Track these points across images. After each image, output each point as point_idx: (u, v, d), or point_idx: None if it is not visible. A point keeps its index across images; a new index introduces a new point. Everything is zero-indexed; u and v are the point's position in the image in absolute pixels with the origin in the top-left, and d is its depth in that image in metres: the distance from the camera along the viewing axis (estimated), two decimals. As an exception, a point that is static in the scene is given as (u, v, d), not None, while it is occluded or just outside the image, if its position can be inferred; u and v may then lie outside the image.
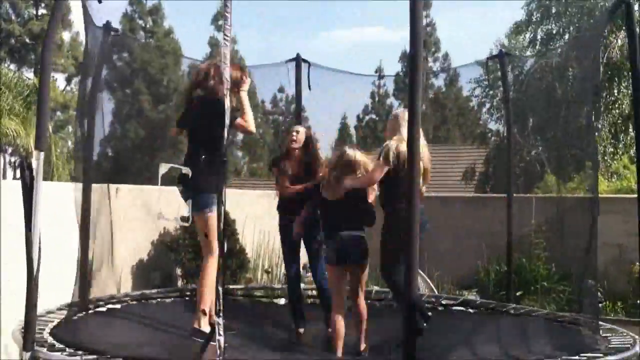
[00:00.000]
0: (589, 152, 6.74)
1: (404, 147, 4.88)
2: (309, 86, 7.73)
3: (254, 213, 9.44)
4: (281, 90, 35.44)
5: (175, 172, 5.44)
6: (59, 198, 5.44)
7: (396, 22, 52.73)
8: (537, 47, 18.20)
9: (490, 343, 5.35)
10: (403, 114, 5.20)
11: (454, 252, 10.36)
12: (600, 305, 8.42)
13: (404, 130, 4.46)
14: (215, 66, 5.20)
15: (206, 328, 4.88)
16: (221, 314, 4.14)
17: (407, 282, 3.65)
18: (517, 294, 8.70)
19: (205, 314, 5.07)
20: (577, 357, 4.50)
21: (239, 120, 5.17)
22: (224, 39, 4.27)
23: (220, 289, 4.19)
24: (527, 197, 11.42)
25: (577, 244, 6.37)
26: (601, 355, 4.64)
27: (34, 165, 4.46)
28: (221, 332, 4.13)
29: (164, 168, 5.18)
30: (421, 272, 7.84)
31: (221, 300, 4.16)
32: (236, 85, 5.15)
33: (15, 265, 5.25)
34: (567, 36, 17.37)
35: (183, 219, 5.23)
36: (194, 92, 5.39)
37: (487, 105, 20.06)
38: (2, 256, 5.70)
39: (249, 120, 5.27)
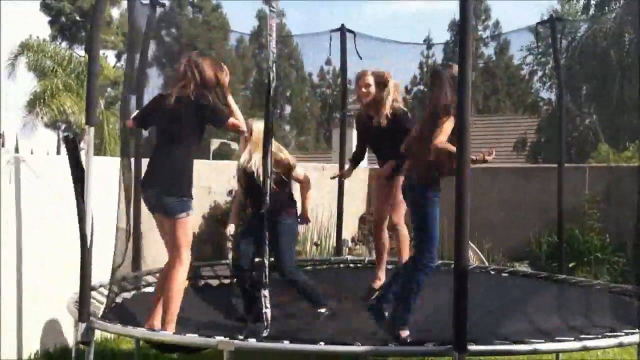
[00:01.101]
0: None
1: None
2: (359, 55, 7.60)
3: (302, 186, 9.45)
4: (328, 62, 35.47)
5: (225, 148, 5.47)
6: (111, 173, 5.52)
7: (444, -10, 51.79)
8: (590, 12, 17.68)
9: (543, 313, 5.27)
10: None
11: (505, 224, 10.24)
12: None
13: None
14: (191, 65, 4.85)
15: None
16: (266, 287, 4.19)
17: (457, 252, 3.62)
18: (570, 265, 8.57)
19: (169, 327, 4.63)
20: (635, 331, 4.38)
21: (232, 121, 4.85)
22: (271, 10, 4.24)
23: (266, 261, 4.23)
24: (581, 167, 11.18)
25: (632, 215, 6.21)
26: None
27: (85, 140, 4.54)
28: (267, 305, 4.17)
29: (215, 144, 5.18)
30: (471, 244, 7.77)
31: (267, 273, 4.20)
32: (214, 86, 4.90)
33: (72, 239, 5.37)
34: (622, 0, 16.81)
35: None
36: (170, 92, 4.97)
37: (539, 74, 19.64)
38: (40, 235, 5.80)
39: (240, 119, 4.91)
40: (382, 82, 5.90)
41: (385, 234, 6.32)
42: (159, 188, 4.70)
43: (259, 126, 5.35)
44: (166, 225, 4.79)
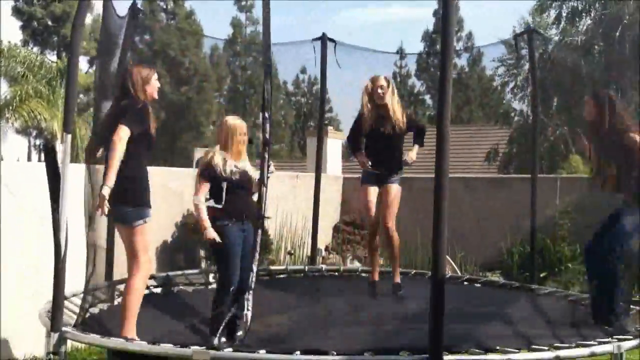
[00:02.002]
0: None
1: None
2: (339, 65, 7.67)
3: (276, 194, 9.45)
4: (303, 71, 35.56)
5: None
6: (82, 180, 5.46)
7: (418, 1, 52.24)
8: (561, 24, 17.93)
9: (517, 323, 5.32)
10: None
11: (477, 234, 10.30)
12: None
13: None
14: (129, 71, 4.91)
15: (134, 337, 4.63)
16: (251, 291, 4.20)
17: (434, 262, 3.64)
18: (542, 275, 8.64)
19: (129, 335, 4.62)
20: (608, 340, 4.44)
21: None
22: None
23: (254, 267, 4.24)
24: (552, 177, 11.31)
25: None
26: (631, 337, 4.59)
27: (61, 148, 4.50)
28: (249, 308, 4.18)
29: (199, 152, 5.14)
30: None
31: (253, 278, 4.20)
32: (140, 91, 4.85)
33: (41, 248, 5.30)
34: (592, 13, 17.09)
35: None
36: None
37: (511, 85, 19.86)
38: (24, 240, 5.73)
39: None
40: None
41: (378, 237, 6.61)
42: (118, 200, 4.66)
43: (231, 123, 5.38)
44: (123, 234, 4.83)
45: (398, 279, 6.54)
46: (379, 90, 6.30)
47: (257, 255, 4.30)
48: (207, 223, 5.17)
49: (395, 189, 6.37)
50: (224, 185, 5.21)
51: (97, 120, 5.53)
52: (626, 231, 5.26)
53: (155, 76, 4.99)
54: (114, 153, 4.53)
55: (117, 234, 5.21)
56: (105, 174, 4.54)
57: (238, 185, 5.27)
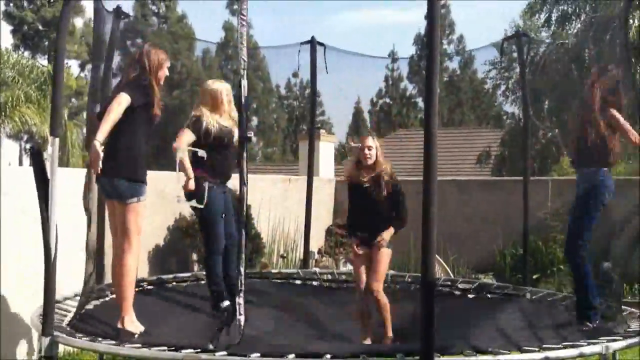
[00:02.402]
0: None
1: None
2: (326, 69, 7.65)
3: (268, 198, 9.44)
4: (295, 75, 35.59)
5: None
6: (74, 184, 5.45)
7: (408, 3, 52.36)
8: (552, 27, 17.99)
9: (506, 327, 5.33)
10: None
11: (469, 236, 10.32)
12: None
13: None
14: (147, 50, 4.94)
15: (132, 327, 4.69)
16: (242, 294, 4.17)
17: (423, 264, 3.64)
18: (534, 277, 8.67)
19: (127, 314, 4.72)
20: (597, 341, 4.47)
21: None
22: (241, 18, 4.24)
23: (242, 270, 4.22)
24: (543, 179, 11.34)
25: (595, 227, 6.31)
26: (620, 338, 4.61)
27: (49, 151, 4.48)
28: (241, 312, 4.16)
29: (216, 125, 5.20)
30: (437, 257, 7.82)
31: (243, 281, 4.19)
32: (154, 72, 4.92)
33: (32, 251, 5.29)
34: (582, 16, 17.15)
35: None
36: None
37: (502, 88, 19.90)
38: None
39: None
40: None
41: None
42: (111, 172, 4.68)
43: (217, 86, 5.70)
44: (117, 210, 4.77)
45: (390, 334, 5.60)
46: (366, 151, 5.70)
47: (243, 258, 4.26)
48: (190, 173, 5.35)
49: (382, 253, 5.64)
50: (209, 142, 5.41)
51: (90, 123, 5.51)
52: (580, 216, 5.39)
53: (167, 63, 5.04)
54: (109, 114, 4.55)
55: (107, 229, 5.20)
56: (98, 130, 4.52)
57: (222, 144, 5.50)
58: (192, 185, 5.36)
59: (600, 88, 5.33)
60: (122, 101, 4.59)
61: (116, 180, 4.68)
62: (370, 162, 5.69)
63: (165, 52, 5.10)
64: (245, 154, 4.26)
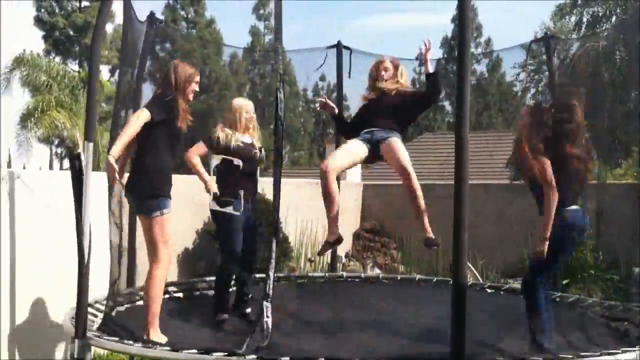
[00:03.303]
0: (636, 137, 6.56)
1: None
2: (349, 74, 7.65)
3: (296, 202, 9.46)
4: (323, 78, 35.65)
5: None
6: (105, 188, 5.51)
7: (437, 6, 52.17)
8: (582, 30, 17.83)
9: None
10: None
11: (498, 240, 10.25)
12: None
13: None
14: (175, 65, 4.99)
15: (157, 338, 4.73)
16: (269, 299, 4.20)
17: (455, 267, 3.63)
18: (564, 282, 8.57)
19: (152, 326, 4.77)
20: (633, 349, 4.38)
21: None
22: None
23: (271, 274, 4.24)
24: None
25: (625, 231, 6.23)
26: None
27: (83, 156, 4.55)
28: (269, 315, 4.18)
29: (216, 160, 5.25)
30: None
31: (272, 285, 4.21)
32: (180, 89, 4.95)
33: (65, 254, 5.35)
34: (613, 18, 16.97)
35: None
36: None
37: (532, 91, 19.76)
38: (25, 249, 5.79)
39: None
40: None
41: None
42: (137, 190, 4.79)
43: (239, 103, 5.91)
44: (143, 224, 4.86)
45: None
46: (382, 73, 5.72)
47: (272, 263, 4.29)
48: (206, 176, 5.62)
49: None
50: (229, 160, 5.58)
51: (115, 128, 5.58)
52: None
53: (197, 78, 5.08)
54: (126, 129, 4.64)
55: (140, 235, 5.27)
56: (113, 144, 4.65)
57: (243, 159, 5.65)
58: (212, 187, 5.61)
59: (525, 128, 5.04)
60: (141, 116, 4.69)
61: (140, 198, 4.79)
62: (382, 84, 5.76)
63: (194, 67, 5.14)
64: (279, 163, 4.31)
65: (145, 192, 4.76)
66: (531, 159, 4.89)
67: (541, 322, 4.85)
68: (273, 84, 4.41)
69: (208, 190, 5.65)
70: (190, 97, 5.03)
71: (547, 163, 4.84)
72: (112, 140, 5.16)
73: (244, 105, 5.92)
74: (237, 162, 5.58)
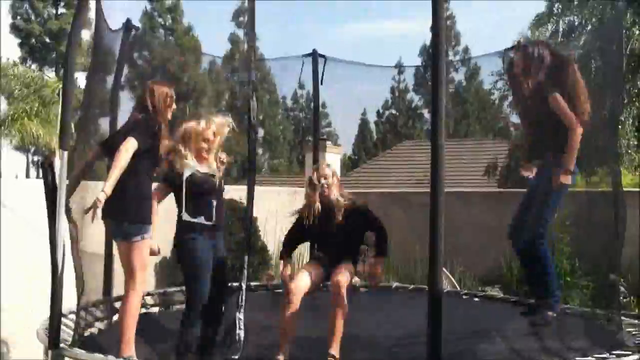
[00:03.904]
0: (612, 144, 6.63)
1: None
2: (321, 81, 7.63)
3: (275, 210, 9.43)
4: (302, 86, 35.75)
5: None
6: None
7: (416, 15, 52.51)
8: (559, 38, 18.00)
9: (516, 338, 5.29)
10: None
11: (476, 248, 10.29)
12: (624, 300, 8.33)
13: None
14: (152, 89, 4.81)
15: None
16: (242, 310, 4.15)
17: (430, 276, 3.63)
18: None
19: (126, 352, 4.56)
20: (607, 355, 4.42)
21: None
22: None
23: (244, 285, 4.20)
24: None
25: (601, 239, 6.28)
26: (630, 353, 4.57)
27: (57, 164, 4.48)
28: (241, 327, 4.14)
29: (188, 171, 4.95)
30: (443, 269, 7.80)
31: (244, 296, 4.17)
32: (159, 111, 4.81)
33: (39, 265, 5.29)
34: (589, 27, 17.16)
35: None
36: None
37: (510, 98, 19.88)
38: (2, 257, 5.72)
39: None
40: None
41: None
42: (116, 215, 4.66)
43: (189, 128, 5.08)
44: (121, 249, 4.75)
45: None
46: (323, 181, 5.31)
47: (245, 274, 4.24)
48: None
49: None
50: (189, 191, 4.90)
51: (81, 135, 5.43)
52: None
53: (172, 93, 4.90)
54: (117, 162, 4.47)
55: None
56: (106, 181, 4.46)
57: (203, 191, 4.94)
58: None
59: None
60: (129, 147, 4.52)
61: (121, 223, 4.66)
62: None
63: (170, 85, 4.98)
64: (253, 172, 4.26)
65: (126, 218, 4.63)
66: (542, 95, 5.09)
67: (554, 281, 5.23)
68: (249, 92, 4.35)
69: None
70: (169, 116, 4.90)
71: (559, 96, 5.06)
72: (104, 147, 4.94)
73: (200, 131, 5.06)
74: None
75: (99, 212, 4.41)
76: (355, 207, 5.28)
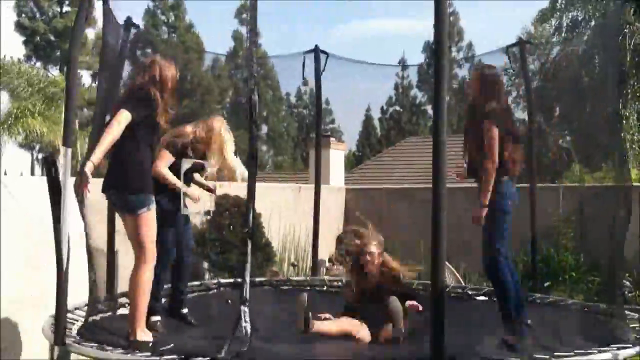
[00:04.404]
0: (616, 140, 6.63)
1: None
2: (318, 77, 7.67)
3: (279, 206, 9.46)
4: (305, 83, 35.76)
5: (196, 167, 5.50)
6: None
7: (419, 12, 52.41)
8: (562, 34, 17.98)
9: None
10: None
11: (481, 244, 10.27)
12: (629, 295, 8.33)
13: None
14: (150, 61, 4.85)
15: (145, 337, 4.63)
16: (247, 303, 4.16)
17: (433, 272, 3.64)
18: (546, 284, 8.62)
19: (139, 326, 4.63)
20: (607, 348, 4.44)
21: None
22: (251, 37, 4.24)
23: (247, 279, 4.21)
24: (555, 186, 11.30)
25: (606, 234, 6.28)
26: (630, 345, 4.58)
27: (61, 161, 4.49)
28: (247, 319, 4.14)
29: (186, 164, 5.04)
30: (447, 264, 7.82)
31: (248, 290, 4.18)
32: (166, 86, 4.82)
33: (45, 261, 5.31)
34: (592, 23, 17.13)
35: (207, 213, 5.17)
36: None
37: (513, 94, 19.88)
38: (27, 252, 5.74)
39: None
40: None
41: None
42: (117, 186, 4.63)
43: (218, 125, 5.64)
44: (128, 223, 4.69)
45: None
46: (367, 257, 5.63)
47: (248, 267, 4.24)
48: (184, 188, 5.40)
49: None
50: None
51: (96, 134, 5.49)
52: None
53: (176, 73, 4.93)
54: (107, 134, 4.44)
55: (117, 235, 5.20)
56: (93, 150, 4.44)
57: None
58: (194, 195, 5.53)
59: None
60: (122, 120, 4.49)
61: (125, 194, 4.62)
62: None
63: (174, 61, 5.01)
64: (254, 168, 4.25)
65: (129, 189, 4.59)
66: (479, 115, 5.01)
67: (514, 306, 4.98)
68: (250, 88, 4.35)
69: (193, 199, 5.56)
70: (171, 92, 4.86)
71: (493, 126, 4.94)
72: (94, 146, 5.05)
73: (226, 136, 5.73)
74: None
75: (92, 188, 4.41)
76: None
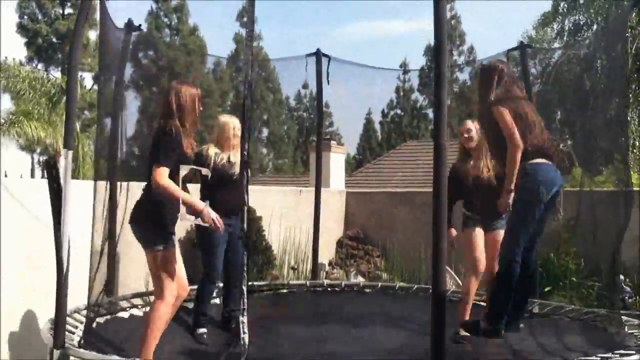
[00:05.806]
0: (618, 144, 6.62)
1: None
2: (328, 80, 7.65)
3: (279, 209, 9.45)
4: (305, 86, 35.76)
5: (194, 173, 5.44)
6: (85, 196, 5.46)
7: (419, 14, 52.45)
8: (564, 38, 17.97)
9: (519, 339, 5.29)
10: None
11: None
12: (630, 300, 8.30)
13: None
14: (171, 91, 4.63)
15: None
16: (245, 313, 4.14)
17: (434, 275, 3.63)
18: (546, 289, 8.60)
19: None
20: (609, 355, 4.42)
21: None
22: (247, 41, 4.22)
23: (244, 288, 4.18)
24: (555, 191, 11.25)
25: (607, 239, 6.27)
26: (633, 352, 4.57)
27: (62, 164, 4.49)
28: (245, 330, 4.12)
29: (184, 170, 4.96)
30: (448, 268, 7.81)
31: (245, 299, 4.15)
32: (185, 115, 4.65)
33: (44, 264, 5.30)
34: (594, 27, 17.12)
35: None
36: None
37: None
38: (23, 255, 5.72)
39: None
40: None
41: None
42: (141, 221, 4.57)
43: (225, 120, 5.86)
44: (147, 258, 4.58)
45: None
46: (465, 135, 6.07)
47: (245, 276, 4.21)
48: (190, 199, 4.77)
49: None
50: (213, 176, 5.38)
51: (99, 137, 5.49)
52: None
53: (199, 95, 4.79)
54: (168, 191, 4.38)
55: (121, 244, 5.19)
56: (185, 204, 4.50)
57: (228, 177, 5.63)
58: (200, 206, 5.19)
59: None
60: (163, 176, 4.38)
61: (143, 229, 4.55)
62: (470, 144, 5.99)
63: (196, 85, 4.83)
64: (246, 172, 4.19)
65: (148, 224, 4.52)
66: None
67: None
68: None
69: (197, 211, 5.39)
70: (193, 114, 4.69)
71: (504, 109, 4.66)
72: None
73: (237, 125, 5.71)
74: (206, 171, 5.27)
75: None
76: None
